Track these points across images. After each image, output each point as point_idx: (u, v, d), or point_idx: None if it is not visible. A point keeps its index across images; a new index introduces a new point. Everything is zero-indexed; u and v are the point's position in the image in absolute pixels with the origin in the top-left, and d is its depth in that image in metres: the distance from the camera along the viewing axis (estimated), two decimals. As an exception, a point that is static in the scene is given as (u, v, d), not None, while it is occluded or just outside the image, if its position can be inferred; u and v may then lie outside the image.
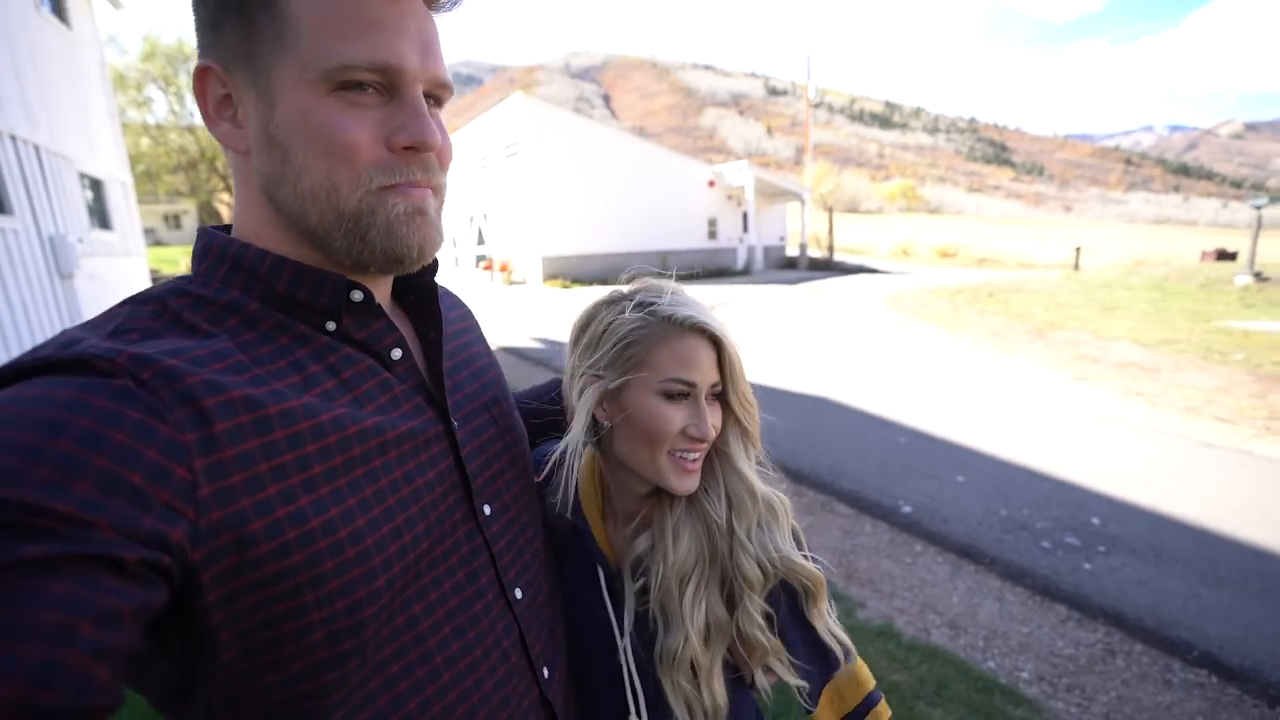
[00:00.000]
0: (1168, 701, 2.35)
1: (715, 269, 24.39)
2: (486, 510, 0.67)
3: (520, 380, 7.29)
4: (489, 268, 23.22)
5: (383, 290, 0.65)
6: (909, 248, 35.46)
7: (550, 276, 20.57)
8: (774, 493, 0.85)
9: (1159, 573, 3.10)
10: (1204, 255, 23.36)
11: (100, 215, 9.36)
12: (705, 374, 0.78)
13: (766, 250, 26.85)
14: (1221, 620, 2.76)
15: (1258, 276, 13.90)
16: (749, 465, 0.84)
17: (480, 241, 26.07)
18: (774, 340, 9.93)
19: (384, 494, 0.56)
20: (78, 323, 0.54)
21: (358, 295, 0.59)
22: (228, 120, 0.56)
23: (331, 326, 0.59)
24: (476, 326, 0.85)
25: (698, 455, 0.80)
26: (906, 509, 3.82)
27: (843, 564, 3.32)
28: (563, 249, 20.84)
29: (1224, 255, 22.31)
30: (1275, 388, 6.46)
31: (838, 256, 28.21)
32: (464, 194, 26.05)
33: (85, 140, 8.71)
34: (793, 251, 27.97)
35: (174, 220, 47.50)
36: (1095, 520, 3.64)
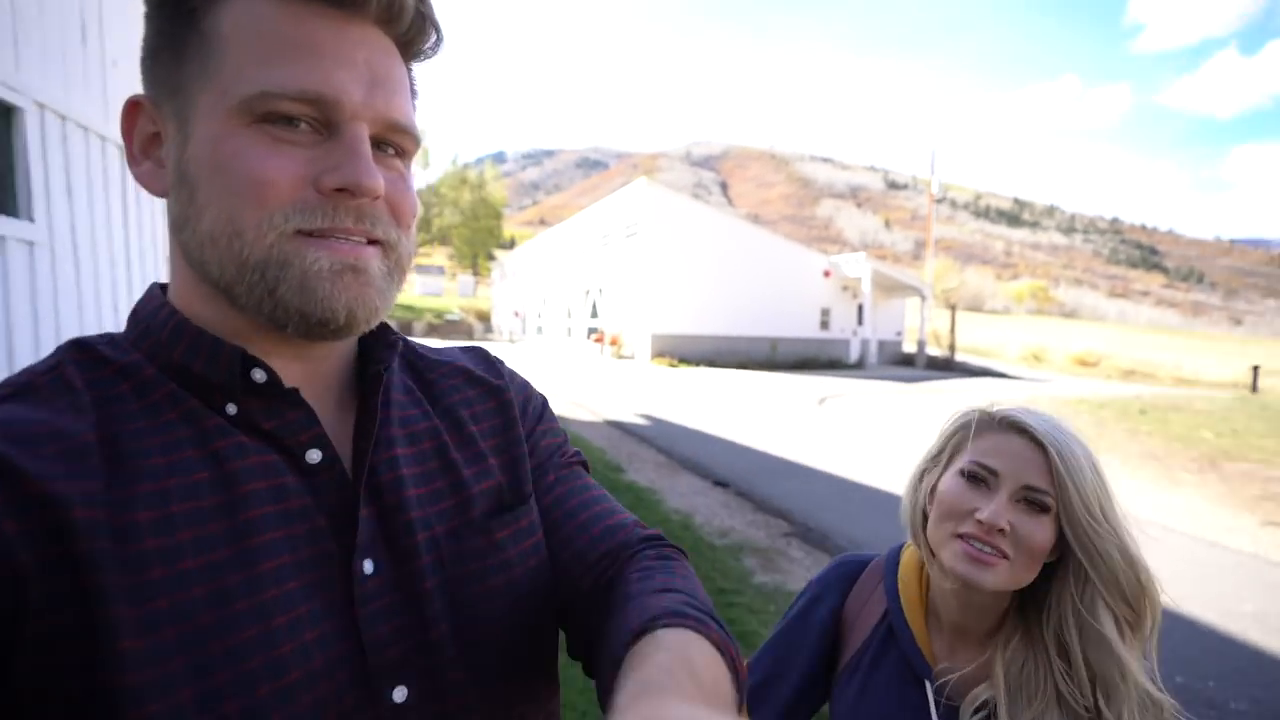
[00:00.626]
0: None
1: (826, 360, 23.79)
2: (397, 697, 0.48)
3: (624, 457, 7.29)
4: (600, 340, 24.06)
5: (317, 366, 0.54)
6: (1040, 353, 32.82)
7: (659, 354, 20.94)
8: (1158, 690, 0.76)
9: None
10: None
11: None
12: (1015, 469, 0.78)
13: (881, 345, 25.93)
14: None
15: None
16: (1112, 629, 0.74)
17: (594, 314, 27.20)
18: (889, 441, 9.36)
19: (237, 654, 0.41)
20: None
21: (259, 375, 0.48)
22: (151, 159, 0.50)
23: (232, 410, 0.48)
24: (502, 411, 0.65)
25: (991, 550, 0.76)
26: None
27: None
28: (673, 328, 21.26)
29: None
30: None
31: (960, 357, 26.62)
32: (582, 268, 27.57)
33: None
34: (910, 348, 26.79)
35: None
36: (1313, 709, 2.95)
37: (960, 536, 0.78)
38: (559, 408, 10.64)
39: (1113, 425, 10.69)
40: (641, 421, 9.79)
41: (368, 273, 0.48)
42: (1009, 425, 0.82)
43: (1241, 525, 5.85)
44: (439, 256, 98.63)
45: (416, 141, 0.52)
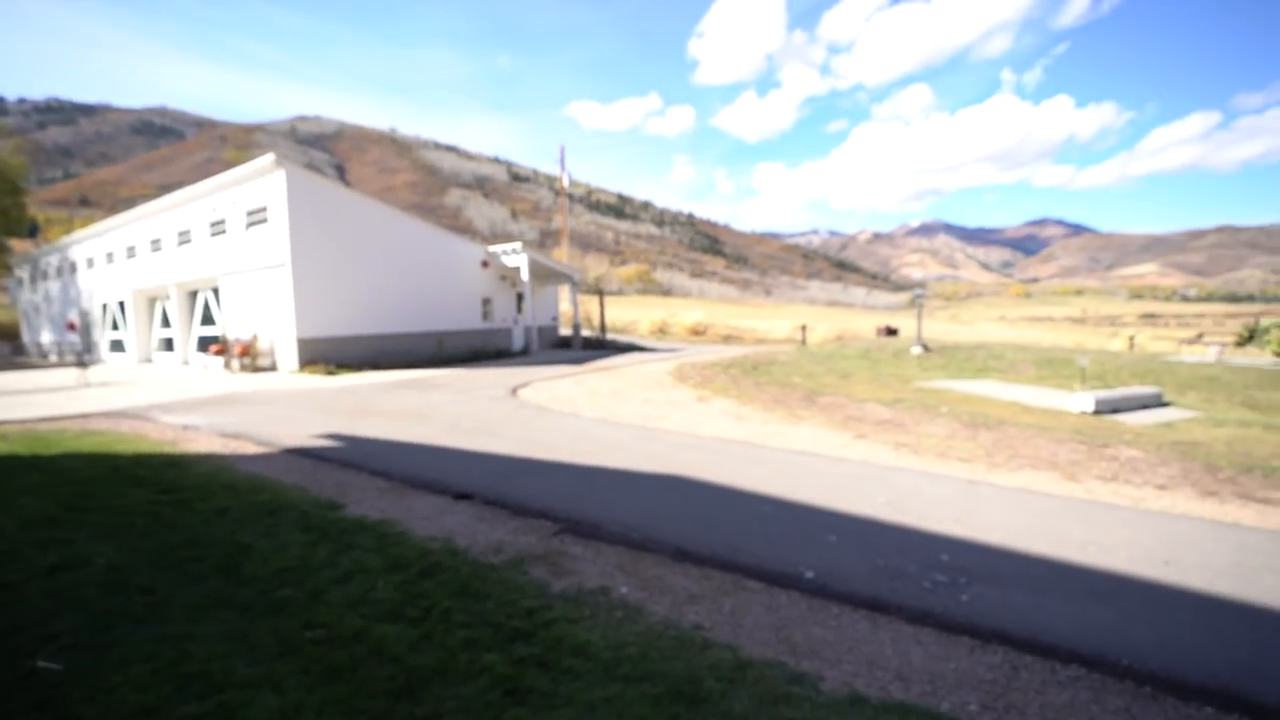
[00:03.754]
0: (1072, 700, 2.88)
1: (494, 350, 24.00)
2: None
3: (333, 489, 6.19)
4: (221, 351, 19.64)
5: None
6: (664, 326, 39.37)
7: (309, 361, 18.11)
8: None
9: (1011, 592, 3.83)
10: (878, 331, 30.24)
11: None
12: None
13: (540, 330, 27.36)
14: (1071, 624, 3.50)
15: (924, 348, 18.46)
16: None
17: (206, 321, 22.01)
18: (596, 421, 10.05)
19: None
20: None
21: None
22: None
23: None
24: None
25: None
26: (809, 574, 4.12)
27: (783, 640, 3.43)
28: (323, 330, 18.62)
29: (890, 331, 29.19)
30: (978, 432, 8.53)
31: (608, 335, 29.96)
32: (184, 264, 21.92)
33: None
34: (565, 331, 28.97)
35: None
36: (945, 557, 4.36)
37: None
38: (206, 444, 8.34)
39: (742, 380, 13.57)
40: (330, 444, 8.41)
41: None
42: None
43: (845, 441, 8.13)
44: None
45: None
